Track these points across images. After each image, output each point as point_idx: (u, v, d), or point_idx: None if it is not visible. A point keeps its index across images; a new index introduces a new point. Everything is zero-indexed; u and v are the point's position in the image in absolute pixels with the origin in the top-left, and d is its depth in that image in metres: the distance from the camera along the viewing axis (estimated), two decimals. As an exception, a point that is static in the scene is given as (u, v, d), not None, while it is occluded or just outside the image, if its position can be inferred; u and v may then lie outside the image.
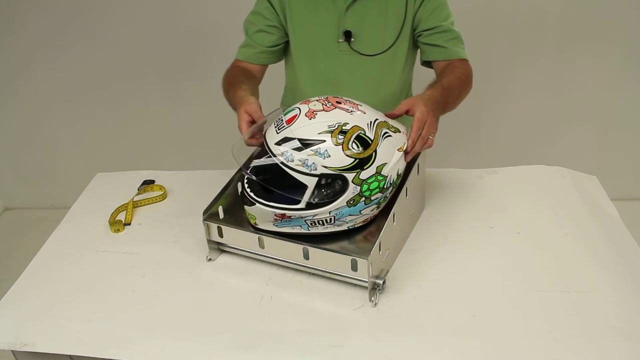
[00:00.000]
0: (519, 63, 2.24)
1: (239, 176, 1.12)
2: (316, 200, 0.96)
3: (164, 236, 1.17)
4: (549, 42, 2.18)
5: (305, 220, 0.99)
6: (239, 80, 1.25)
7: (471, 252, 1.06)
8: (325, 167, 0.93)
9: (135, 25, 2.27)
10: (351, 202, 0.97)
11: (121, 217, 1.23)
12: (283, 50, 1.39)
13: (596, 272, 0.99)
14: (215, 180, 1.19)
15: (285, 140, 0.94)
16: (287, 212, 0.98)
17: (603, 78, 2.23)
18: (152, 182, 1.35)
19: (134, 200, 1.28)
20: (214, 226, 1.05)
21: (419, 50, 1.38)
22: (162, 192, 1.31)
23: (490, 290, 0.97)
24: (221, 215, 1.08)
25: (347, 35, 1.29)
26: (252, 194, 1.00)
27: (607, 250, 1.04)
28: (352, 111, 0.98)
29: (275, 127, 0.98)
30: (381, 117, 1.01)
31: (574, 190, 1.23)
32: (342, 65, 1.33)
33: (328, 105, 0.98)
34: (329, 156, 0.93)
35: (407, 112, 1.05)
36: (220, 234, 1.05)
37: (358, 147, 0.95)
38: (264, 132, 1.01)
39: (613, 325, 0.88)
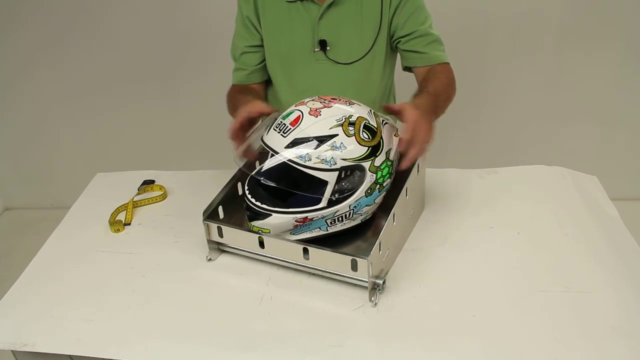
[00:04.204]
0: (519, 63, 2.24)
1: (238, 176, 1.11)
2: (337, 195, 0.96)
3: (164, 236, 1.17)
4: (549, 41, 2.18)
5: (325, 220, 0.98)
6: (244, 94, 1.29)
7: (471, 251, 1.06)
8: (344, 159, 0.94)
9: (135, 26, 2.28)
10: (369, 191, 0.98)
11: (121, 217, 1.23)
12: None
13: (596, 272, 0.99)
14: (215, 180, 1.19)
15: (297, 141, 0.94)
16: (309, 215, 0.97)
17: (603, 78, 2.23)
18: (152, 182, 1.35)
19: (134, 200, 1.28)
20: (214, 226, 1.04)
21: (398, 56, 1.38)
22: (162, 192, 1.31)
23: (490, 290, 0.97)
24: (221, 215, 1.08)
25: (322, 44, 1.28)
26: (264, 206, 0.99)
27: (607, 250, 1.04)
28: (349, 104, 1.00)
29: (279, 132, 0.96)
30: (371, 108, 1.04)
31: (574, 190, 1.23)
32: (319, 75, 1.32)
33: (326, 102, 0.99)
34: (346, 148, 0.94)
35: (397, 114, 1.03)
36: (220, 234, 1.05)
37: (368, 135, 0.97)
38: (261, 138, 1.00)
39: (613, 325, 0.88)
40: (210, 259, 1.08)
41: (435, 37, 1.30)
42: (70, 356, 0.95)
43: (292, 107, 1.00)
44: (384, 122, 1.03)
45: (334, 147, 0.94)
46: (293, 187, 0.98)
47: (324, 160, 0.93)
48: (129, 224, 1.22)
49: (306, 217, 0.97)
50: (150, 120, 2.50)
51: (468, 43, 2.18)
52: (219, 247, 1.09)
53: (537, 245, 1.07)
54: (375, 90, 1.37)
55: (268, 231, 1.00)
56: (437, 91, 1.17)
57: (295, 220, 0.98)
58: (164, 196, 1.31)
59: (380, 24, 1.27)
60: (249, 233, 1.02)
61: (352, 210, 0.99)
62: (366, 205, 1.00)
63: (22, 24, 2.30)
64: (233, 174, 1.12)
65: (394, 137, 1.03)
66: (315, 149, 0.93)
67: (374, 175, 0.98)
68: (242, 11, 1.32)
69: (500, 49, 2.22)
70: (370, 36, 1.29)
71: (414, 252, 1.07)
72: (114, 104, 2.47)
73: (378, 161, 0.98)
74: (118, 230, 1.20)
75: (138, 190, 1.33)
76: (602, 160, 2.33)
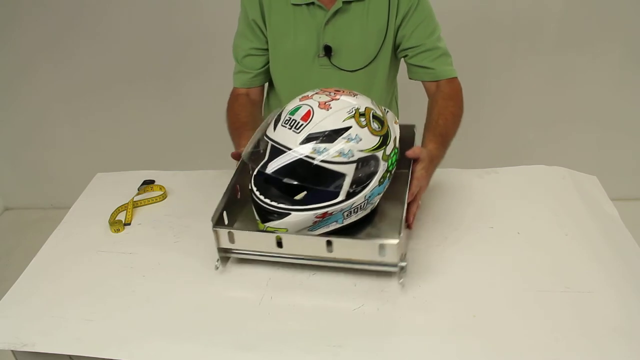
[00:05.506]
0: (519, 63, 2.24)
1: (236, 179, 1.10)
2: (354, 187, 0.96)
3: (164, 236, 1.17)
4: (549, 41, 2.18)
5: (343, 213, 0.98)
6: (241, 122, 1.26)
7: (471, 252, 1.06)
8: (360, 151, 0.95)
9: (135, 25, 2.28)
10: (381, 180, 0.99)
11: (121, 217, 1.23)
12: None
13: (596, 272, 0.99)
14: (215, 180, 1.19)
15: (312, 136, 0.93)
16: (329, 209, 0.96)
17: (603, 78, 2.23)
18: (152, 182, 1.35)
19: (134, 200, 1.28)
20: (224, 232, 0.99)
21: (402, 63, 1.37)
22: (162, 192, 1.31)
23: (490, 290, 0.97)
24: (226, 221, 1.05)
25: (327, 50, 1.28)
26: (282, 205, 0.97)
27: (607, 250, 1.04)
28: (353, 95, 1.01)
29: (290, 128, 0.95)
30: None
31: (574, 190, 1.23)
32: (322, 80, 1.31)
33: (332, 95, 0.99)
34: (361, 139, 0.95)
35: (412, 157, 1.07)
36: (232, 240, 1.00)
37: (378, 125, 0.98)
38: (268, 137, 0.98)
39: (613, 325, 0.88)
40: (217, 267, 1.03)
41: (443, 51, 1.29)
42: (70, 356, 0.95)
43: (297, 102, 0.99)
44: (386, 110, 1.05)
45: (349, 139, 0.93)
46: (309, 183, 0.96)
47: (342, 153, 0.93)
48: (129, 224, 1.22)
49: (326, 212, 0.96)
50: (150, 120, 2.50)
51: (468, 44, 2.17)
52: (227, 254, 1.04)
53: (537, 245, 1.07)
54: (377, 98, 1.36)
55: (285, 230, 0.98)
56: (448, 130, 1.19)
57: (316, 217, 0.97)
58: (164, 196, 1.31)
59: (386, 33, 1.26)
60: (264, 234, 0.99)
61: (366, 201, 1.00)
62: (377, 195, 1.01)
63: (22, 23, 2.30)
64: (232, 174, 1.11)
65: (394, 124, 1.05)
66: (332, 142, 0.93)
67: (386, 163, 0.99)
68: (248, 14, 1.30)
69: (500, 49, 2.22)
70: (375, 44, 1.28)
71: (414, 252, 1.07)
72: (114, 103, 2.47)
73: (388, 149, 0.99)
74: (118, 230, 1.20)
75: (138, 190, 1.33)
76: (602, 160, 2.34)
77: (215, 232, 1.00)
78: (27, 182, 2.76)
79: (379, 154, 0.97)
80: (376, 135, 0.97)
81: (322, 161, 0.92)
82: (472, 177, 1.29)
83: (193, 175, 1.39)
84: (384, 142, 0.98)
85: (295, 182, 0.96)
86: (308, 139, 0.93)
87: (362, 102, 1.00)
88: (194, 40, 2.28)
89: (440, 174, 1.28)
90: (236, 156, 1.13)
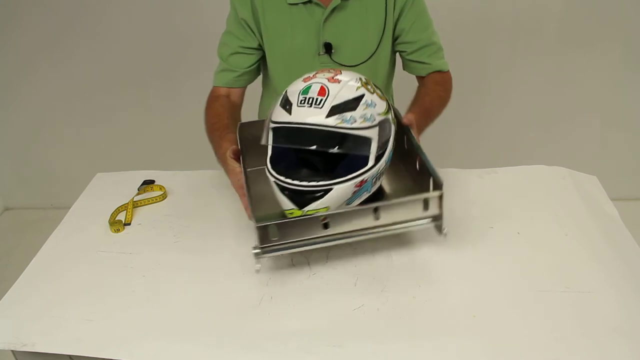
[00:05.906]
0: (519, 63, 2.24)
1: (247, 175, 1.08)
2: (379, 151, 0.99)
3: (164, 236, 1.17)
4: (549, 41, 2.18)
5: (372, 180, 1.00)
6: (223, 124, 1.23)
7: (471, 252, 1.06)
8: (378, 114, 0.98)
9: (135, 26, 2.28)
10: (394, 143, 1.03)
11: (121, 217, 1.23)
12: (260, 65, 1.39)
13: (596, 272, 0.99)
14: (215, 180, 1.19)
15: (336, 108, 0.94)
16: (364, 176, 0.97)
17: (603, 78, 2.23)
18: (152, 182, 1.35)
19: (134, 200, 1.28)
20: (268, 227, 0.93)
21: (397, 55, 1.41)
22: (162, 192, 1.31)
23: (490, 290, 0.97)
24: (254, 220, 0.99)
25: (328, 47, 1.28)
26: (322, 182, 0.94)
27: (607, 250, 1.04)
28: (347, 71, 1.04)
29: (310, 106, 0.94)
30: None
31: (574, 190, 1.23)
32: None
33: (333, 71, 1.02)
34: (376, 104, 0.98)
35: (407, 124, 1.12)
36: (275, 234, 0.94)
37: (380, 91, 1.02)
38: (284, 121, 0.96)
39: (613, 325, 0.88)
40: (259, 271, 0.98)
41: (438, 46, 1.34)
42: (70, 356, 0.95)
43: (303, 83, 0.98)
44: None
45: (367, 105, 0.96)
46: (345, 152, 0.97)
47: (365, 119, 0.95)
48: (129, 224, 1.22)
49: (362, 179, 0.97)
50: (150, 120, 2.50)
51: (468, 43, 2.18)
52: (263, 253, 0.96)
53: (537, 245, 1.07)
54: None
55: (326, 209, 0.96)
56: (432, 108, 1.26)
57: (355, 186, 0.97)
58: (164, 196, 1.31)
59: (385, 26, 1.28)
60: (310, 220, 0.95)
61: (386, 165, 1.02)
62: (391, 158, 1.04)
63: (22, 23, 2.30)
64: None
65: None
66: (355, 110, 0.95)
67: (394, 126, 1.03)
68: (238, 13, 1.29)
69: (500, 49, 2.22)
70: (374, 38, 1.29)
71: (414, 252, 1.07)
72: (114, 103, 2.47)
73: (392, 114, 1.03)
74: (118, 230, 1.20)
75: (138, 190, 1.33)
76: (602, 160, 2.34)
77: (258, 229, 0.92)
78: (27, 182, 2.76)
79: (390, 117, 1.02)
80: (383, 100, 1.01)
81: (351, 129, 0.94)
82: (472, 177, 1.29)
83: (193, 175, 1.39)
84: (389, 107, 1.03)
85: (339, 151, 0.95)
86: (332, 111, 0.94)
87: (358, 75, 1.03)
88: (194, 40, 2.28)
89: (440, 173, 1.28)
90: (237, 152, 1.12)
